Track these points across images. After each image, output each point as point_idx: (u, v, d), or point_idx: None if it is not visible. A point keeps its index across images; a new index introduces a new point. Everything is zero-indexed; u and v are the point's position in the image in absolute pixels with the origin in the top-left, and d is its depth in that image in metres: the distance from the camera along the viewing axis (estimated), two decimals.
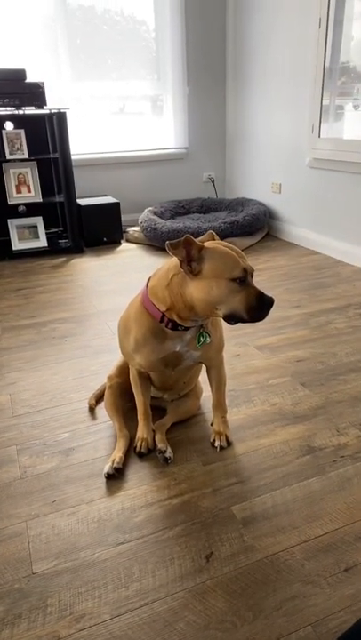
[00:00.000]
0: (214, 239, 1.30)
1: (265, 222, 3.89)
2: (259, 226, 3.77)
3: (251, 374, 1.93)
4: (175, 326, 1.29)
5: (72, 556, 1.17)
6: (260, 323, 2.37)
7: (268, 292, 2.77)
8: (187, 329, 1.31)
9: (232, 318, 1.20)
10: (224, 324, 2.10)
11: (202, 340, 1.33)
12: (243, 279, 1.17)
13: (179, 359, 1.37)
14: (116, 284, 2.99)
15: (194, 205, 4.24)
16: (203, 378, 1.70)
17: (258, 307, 1.18)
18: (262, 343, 2.18)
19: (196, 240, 1.21)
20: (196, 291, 1.19)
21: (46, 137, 3.73)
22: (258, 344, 2.18)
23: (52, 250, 3.73)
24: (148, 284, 1.33)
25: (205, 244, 1.23)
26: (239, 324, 2.39)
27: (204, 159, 4.51)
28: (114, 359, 1.96)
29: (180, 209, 4.18)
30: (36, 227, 3.72)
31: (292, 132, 3.60)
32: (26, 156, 3.47)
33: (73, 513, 1.29)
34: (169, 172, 4.43)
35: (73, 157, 3.59)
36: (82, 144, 4.10)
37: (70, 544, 1.20)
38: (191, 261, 1.18)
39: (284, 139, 3.70)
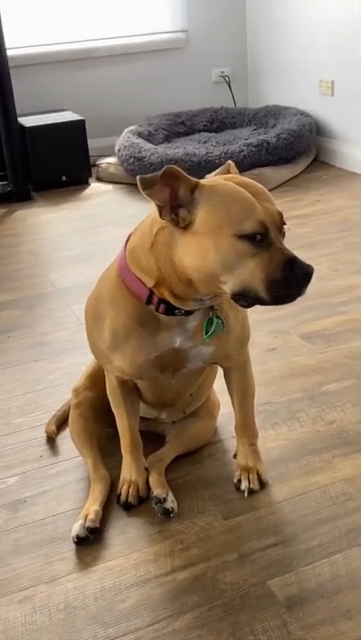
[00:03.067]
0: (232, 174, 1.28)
1: (311, 142, 3.86)
2: (301, 148, 3.74)
3: (294, 378, 1.92)
4: (170, 309, 1.28)
5: None
6: (306, 298, 2.35)
7: (311, 254, 2.76)
8: (188, 313, 1.30)
9: (244, 297, 1.18)
10: None
11: (212, 328, 1.31)
12: (260, 236, 1.14)
13: (180, 360, 1.37)
14: (82, 248, 2.98)
15: (200, 120, 4.21)
16: (219, 385, 1.70)
17: (285, 280, 1.15)
18: (311, 329, 2.17)
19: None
20: (186, 254, 1.18)
21: None
22: (304, 330, 2.17)
23: None
24: (126, 246, 1.32)
25: (205, 180, 1.21)
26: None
27: (213, 47, 4.47)
28: (83, 362, 1.96)
29: (179, 126, 4.15)
30: None
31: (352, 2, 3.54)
32: None
33: (26, 598, 1.29)
34: (160, 69, 4.40)
35: (10, 53, 3.55)
36: (24, 32, 4.06)
37: None
38: (179, 207, 1.16)
39: (338, 13, 3.64)
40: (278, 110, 4.06)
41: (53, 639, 1.21)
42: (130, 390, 1.50)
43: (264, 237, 1.14)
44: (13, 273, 2.86)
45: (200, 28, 4.41)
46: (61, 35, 4.18)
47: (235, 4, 4.43)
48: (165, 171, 1.14)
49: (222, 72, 4.51)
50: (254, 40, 4.45)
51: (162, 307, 1.28)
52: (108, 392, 1.52)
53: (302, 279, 1.17)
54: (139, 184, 1.14)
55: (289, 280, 1.16)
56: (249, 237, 1.14)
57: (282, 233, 1.19)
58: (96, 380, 1.63)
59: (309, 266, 1.17)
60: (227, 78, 4.50)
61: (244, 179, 1.21)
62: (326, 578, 1.29)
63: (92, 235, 3.15)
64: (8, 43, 3.52)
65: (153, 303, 1.28)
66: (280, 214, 1.18)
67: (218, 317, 1.32)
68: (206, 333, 1.32)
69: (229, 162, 1.31)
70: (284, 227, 1.19)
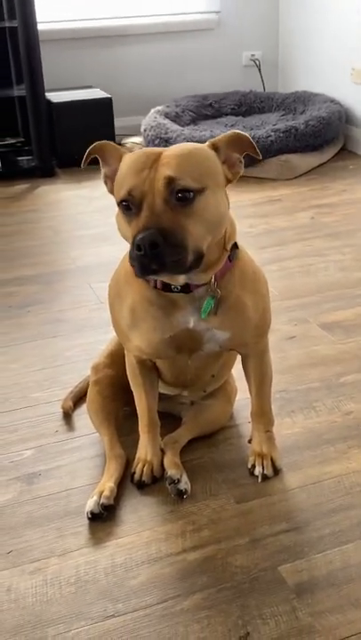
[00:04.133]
0: (237, 143, 1.24)
1: (340, 130, 3.84)
2: (330, 136, 3.72)
3: (312, 367, 1.93)
4: (166, 286, 1.29)
5: (37, 633, 1.19)
6: (328, 288, 2.36)
7: (335, 243, 2.75)
8: (188, 290, 1.30)
9: None
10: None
11: (207, 307, 1.31)
12: (127, 204, 1.16)
13: (196, 342, 1.38)
14: (103, 227, 2.98)
15: (228, 103, 4.20)
16: (237, 372, 1.70)
17: (132, 252, 1.15)
18: (331, 319, 2.17)
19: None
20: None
21: None
22: (324, 320, 2.17)
23: (8, 172, 3.73)
24: None
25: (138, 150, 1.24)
26: (291, 290, 2.38)
27: (245, 29, 4.44)
28: (102, 340, 1.97)
29: (207, 109, 4.14)
30: None
31: None
32: None
33: (38, 570, 1.31)
34: (190, 50, 4.37)
35: (40, 27, 3.54)
36: (54, 7, 4.04)
37: (35, 616, 1.22)
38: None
39: None
40: (308, 97, 4.03)
41: (63, 611, 1.23)
42: (149, 370, 1.51)
43: (133, 205, 1.15)
44: (33, 249, 2.87)
45: (233, 10, 4.37)
46: (93, 11, 4.16)
47: None
48: (94, 146, 1.26)
49: (253, 55, 4.48)
50: (287, 24, 4.41)
51: (158, 282, 1.29)
52: (127, 371, 1.53)
53: (137, 252, 1.12)
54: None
55: (133, 251, 1.14)
56: (122, 205, 1.18)
57: (169, 197, 1.13)
58: (116, 358, 1.63)
59: (149, 234, 1.11)
60: (257, 62, 4.47)
61: (146, 149, 1.22)
62: (337, 566, 1.30)
63: (113, 214, 3.12)
64: (39, 17, 3.52)
65: (150, 280, 1.30)
66: (164, 179, 1.13)
67: (212, 297, 1.31)
68: (202, 312, 1.32)
69: (235, 131, 1.26)
70: (174, 191, 1.13)
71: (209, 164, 1.20)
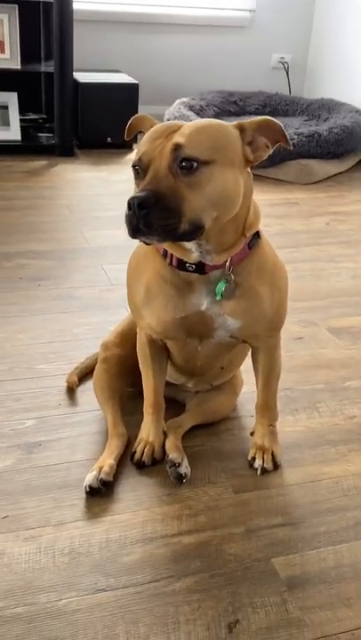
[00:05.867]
0: (267, 128, 1.23)
1: None
2: (351, 145, 3.73)
3: (318, 369, 1.94)
4: (181, 264, 1.30)
5: (27, 598, 1.20)
6: (338, 294, 2.37)
7: (350, 251, 2.76)
8: (202, 271, 1.30)
9: None
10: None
11: (221, 288, 1.32)
12: (136, 168, 1.20)
13: (207, 326, 1.38)
14: (118, 210, 2.90)
15: (252, 103, 4.20)
16: (245, 364, 1.70)
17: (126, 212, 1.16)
18: (340, 324, 2.18)
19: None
20: None
21: None
22: (333, 325, 2.18)
23: (28, 146, 3.74)
24: None
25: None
26: (301, 292, 2.39)
27: (277, 31, 4.45)
28: (110, 321, 1.97)
29: (231, 105, 4.15)
30: (6, 107, 3.71)
31: None
32: None
33: (33, 537, 1.32)
34: (221, 46, 4.37)
35: (76, 7, 3.55)
36: None
37: (26, 582, 1.23)
38: None
39: None
40: (333, 104, 4.04)
41: (55, 580, 1.24)
42: (159, 350, 1.51)
43: (141, 170, 1.18)
44: (48, 225, 2.87)
45: (267, 11, 4.38)
46: None
47: None
48: (132, 120, 1.32)
49: (282, 58, 4.49)
50: (319, 31, 4.42)
51: (174, 259, 1.30)
52: (137, 350, 1.53)
53: (128, 210, 1.14)
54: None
55: (126, 210, 1.16)
56: (134, 170, 1.20)
57: (172, 164, 1.15)
58: (126, 338, 1.64)
59: (142, 195, 1.12)
60: (286, 65, 4.48)
61: (171, 122, 1.23)
62: (330, 565, 1.30)
63: None
64: None
65: (167, 257, 1.31)
66: (172, 146, 1.15)
67: (226, 280, 1.31)
68: (217, 294, 1.33)
69: (267, 117, 1.26)
70: (179, 158, 1.14)
71: (225, 140, 1.20)
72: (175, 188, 1.14)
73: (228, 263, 1.30)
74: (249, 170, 1.26)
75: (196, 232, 1.18)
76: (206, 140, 1.17)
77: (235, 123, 1.24)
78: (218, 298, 1.32)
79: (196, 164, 1.14)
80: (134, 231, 1.16)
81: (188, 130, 1.17)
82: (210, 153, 1.16)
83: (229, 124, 1.23)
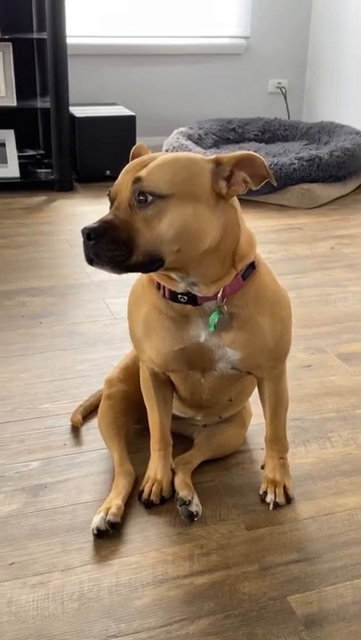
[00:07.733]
0: (248, 163, 1.22)
1: None
2: (353, 168, 3.75)
3: (328, 397, 1.93)
4: (173, 295, 1.31)
5: None
6: (346, 319, 2.36)
7: (355, 274, 2.76)
8: (195, 303, 1.30)
9: None
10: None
11: (214, 320, 1.32)
12: (110, 203, 1.23)
13: (207, 358, 1.37)
14: None
15: (251, 129, 4.23)
16: (252, 396, 1.70)
17: None
18: (349, 350, 2.17)
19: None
20: None
21: (30, 5, 3.75)
22: (342, 350, 2.17)
23: (27, 183, 3.77)
24: None
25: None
26: (308, 319, 2.38)
27: (273, 57, 4.50)
28: (114, 356, 1.97)
29: (230, 133, 4.18)
30: (3, 145, 3.75)
31: None
32: None
33: (40, 584, 1.30)
34: (217, 74, 4.43)
35: (69, 41, 3.60)
36: (84, 22, 4.11)
37: (36, 630, 1.21)
38: None
39: None
40: (333, 127, 4.07)
41: (64, 627, 1.22)
42: (162, 384, 1.51)
43: (110, 203, 1.22)
44: (48, 261, 2.88)
45: (262, 37, 4.44)
46: (122, 29, 4.23)
47: (300, 16, 4.46)
48: (133, 149, 1.31)
49: (279, 83, 4.54)
50: (315, 54, 4.47)
51: (166, 291, 1.31)
52: (141, 384, 1.53)
53: (84, 241, 1.18)
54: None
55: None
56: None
57: (131, 197, 1.17)
58: (131, 373, 1.63)
59: (93, 225, 1.16)
60: (283, 90, 4.53)
61: (151, 154, 1.26)
62: (348, 600, 1.28)
63: None
64: (68, 31, 3.57)
65: (160, 288, 1.33)
66: (132, 180, 1.17)
67: (220, 312, 1.31)
68: (211, 325, 1.32)
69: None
70: (137, 192, 1.16)
71: (187, 175, 1.19)
72: (129, 221, 1.17)
73: (220, 294, 1.30)
74: (233, 203, 1.26)
75: (154, 264, 1.20)
76: (166, 174, 1.18)
77: (212, 157, 1.23)
78: (211, 329, 1.32)
79: (151, 198, 1.16)
80: (88, 260, 1.20)
81: (153, 164, 1.19)
82: (168, 187, 1.17)
83: (203, 158, 1.23)
